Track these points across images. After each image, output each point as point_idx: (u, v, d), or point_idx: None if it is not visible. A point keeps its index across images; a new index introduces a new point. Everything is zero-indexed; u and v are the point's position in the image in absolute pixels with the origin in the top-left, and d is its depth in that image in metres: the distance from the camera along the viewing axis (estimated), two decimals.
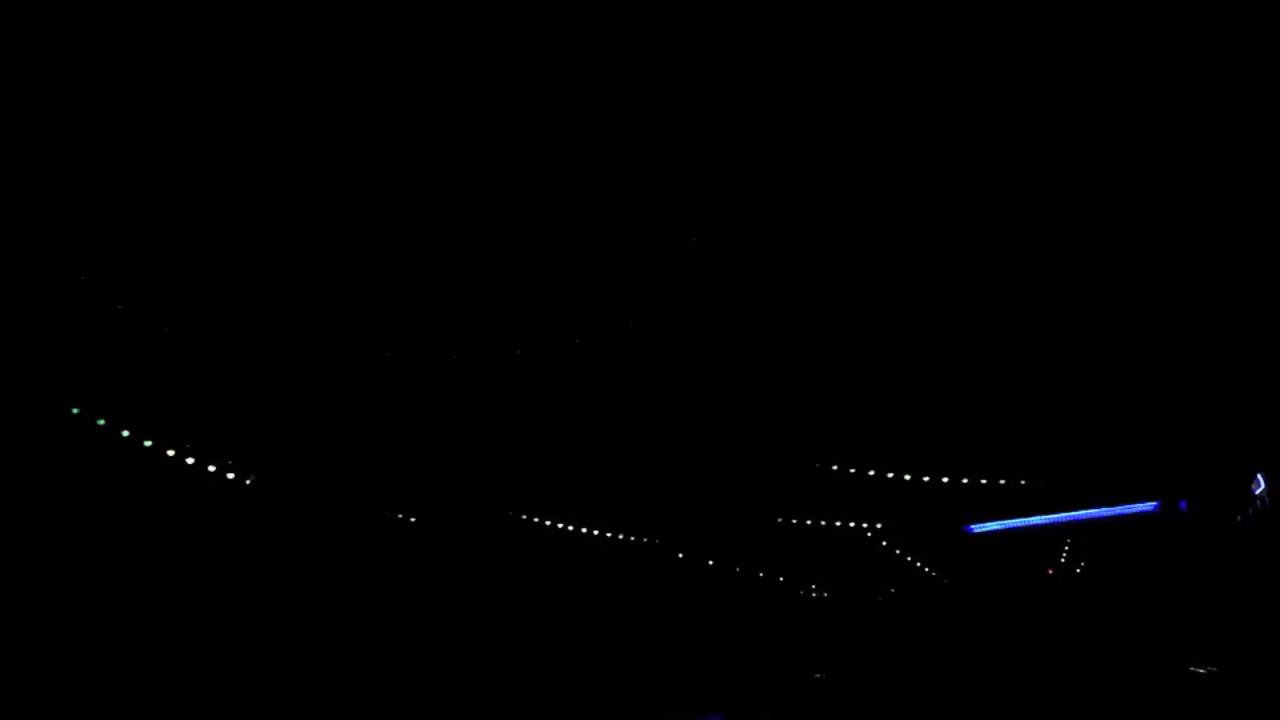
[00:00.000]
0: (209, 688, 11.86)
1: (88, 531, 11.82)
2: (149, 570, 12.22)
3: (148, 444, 11.84)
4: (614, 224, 7.38)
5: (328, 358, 9.62)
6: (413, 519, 16.89)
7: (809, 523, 20.11)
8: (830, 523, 20.30)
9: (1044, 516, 20.25)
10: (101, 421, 11.39)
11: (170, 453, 11.92)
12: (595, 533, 19.77)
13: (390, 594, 15.76)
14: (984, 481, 16.89)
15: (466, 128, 6.08)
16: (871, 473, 15.61)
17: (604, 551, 20.95)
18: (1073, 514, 19.97)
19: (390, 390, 10.69)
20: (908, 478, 16.18)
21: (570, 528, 19.06)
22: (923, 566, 25.92)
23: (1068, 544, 23.95)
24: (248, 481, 13.19)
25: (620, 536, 20.39)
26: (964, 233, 7.71)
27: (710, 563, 23.88)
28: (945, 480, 16.60)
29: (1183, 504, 18.80)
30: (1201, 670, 14.31)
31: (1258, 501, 16.13)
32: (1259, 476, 15.90)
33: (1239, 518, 17.24)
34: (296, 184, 6.53)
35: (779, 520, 19.60)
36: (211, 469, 13.06)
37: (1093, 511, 19.78)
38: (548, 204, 7.10)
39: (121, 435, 11.67)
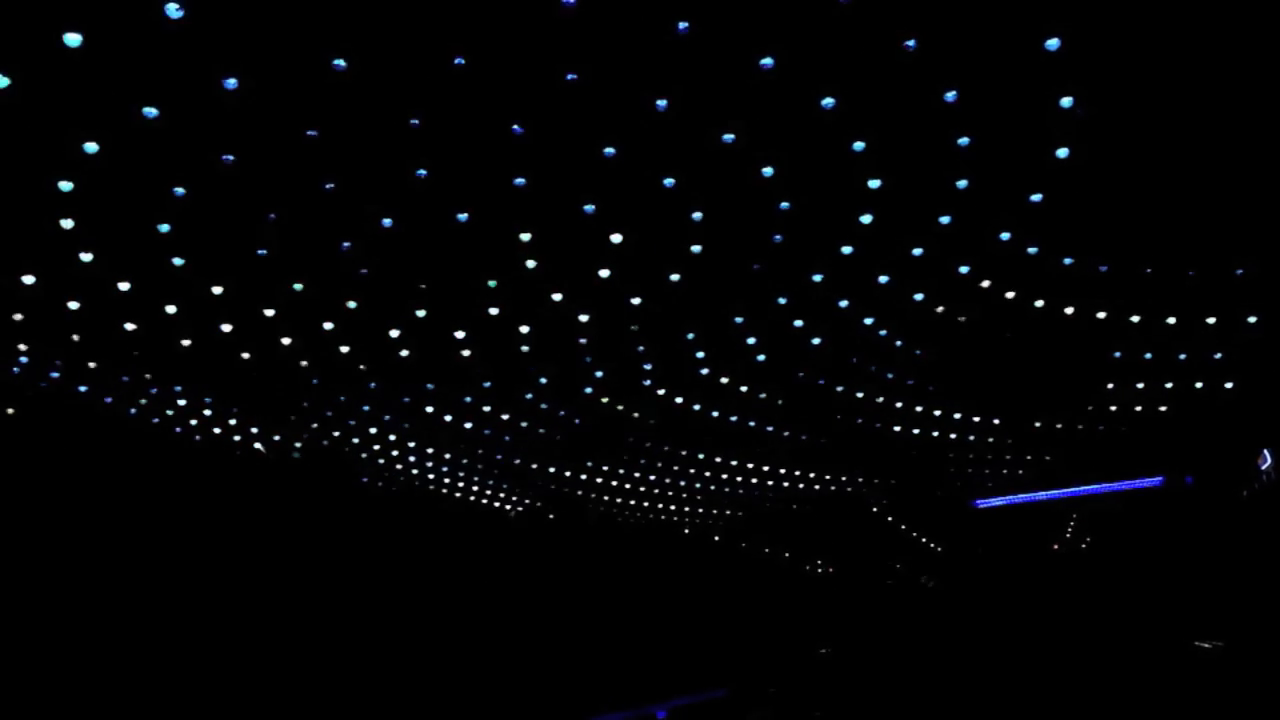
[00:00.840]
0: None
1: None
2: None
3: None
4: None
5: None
6: (420, 493, 16.99)
7: (814, 500, 20.17)
8: (837, 499, 20.35)
9: (1051, 492, 20.31)
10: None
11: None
12: (601, 514, 19.86)
13: (403, 572, 15.88)
14: (990, 457, 16.93)
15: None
16: (878, 448, 15.64)
17: (610, 531, 21.05)
18: (1079, 489, 20.03)
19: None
20: (915, 454, 16.21)
21: (576, 507, 19.15)
22: (929, 542, 26.03)
23: (1074, 519, 24.02)
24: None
25: (627, 516, 20.47)
26: (969, 207, 7.70)
27: (715, 539, 23.99)
28: (952, 455, 16.63)
29: (1189, 479, 18.85)
30: (1207, 645, 14.36)
31: (1263, 476, 16.18)
32: (1264, 452, 15.93)
33: (1244, 492, 17.28)
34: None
35: (785, 496, 19.66)
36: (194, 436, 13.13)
37: (1099, 486, 19.83)
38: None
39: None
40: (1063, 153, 6.80)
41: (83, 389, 10.68)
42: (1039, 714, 12.66)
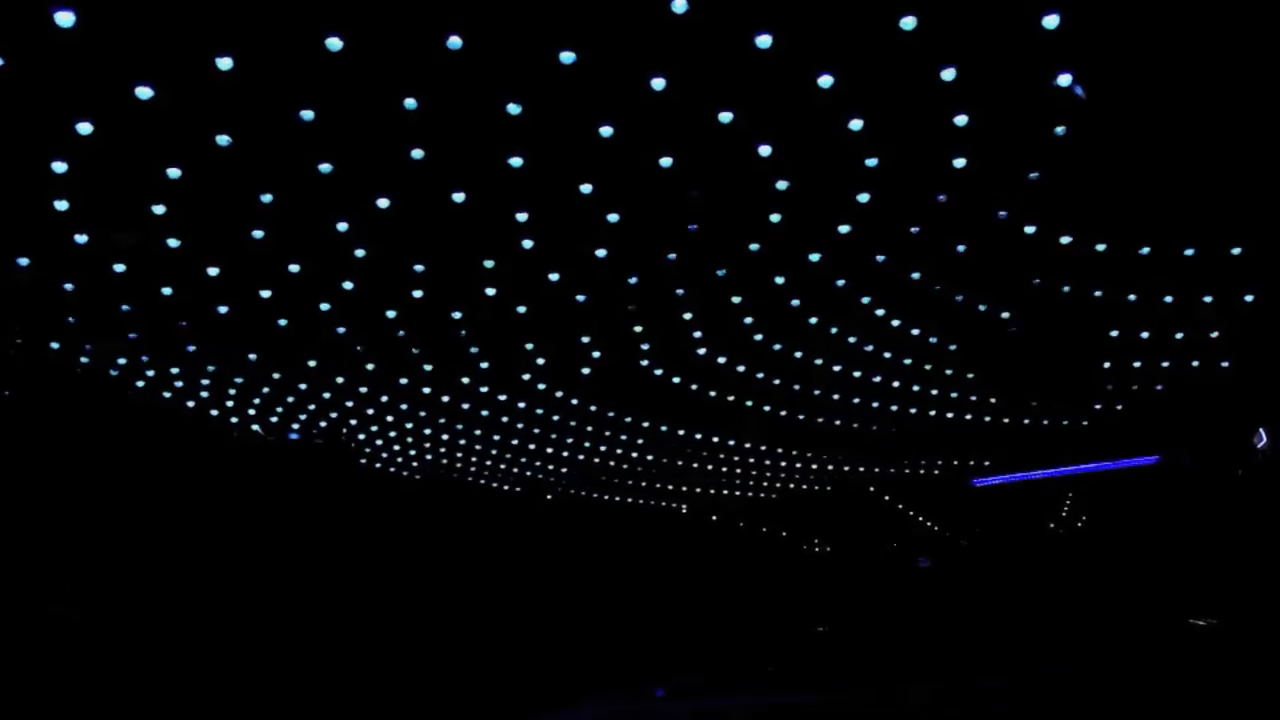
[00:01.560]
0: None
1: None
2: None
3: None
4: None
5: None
6: (417, 478, 17.02)
7: (812, 478, 20.22)
8: (834, 477, 20.40)
9: (1048, 470, 20.37)
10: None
11: None
12: (601, 496, 19.91)
13: (403, 554, 15.93)
14: (988, 436, 16.96)
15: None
16: (875, 428, 15.66)
17: (610, 512, 21.11)
18: (1076, 468, 20.09)
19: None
20: (913, 433, 16.23)
21: (578, 490, 19.19)
22: (926, 521, 26.11)
23: (1070, 497, 24.11)
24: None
25: (627, 498, 20.53)
26: (966, 186, 7.69)
27: (713, 518, 24.06)
28: (950, 433, 16.65)
29: (1185, 458, 18.90)
30: (1201, 622, 14.46)
31: (1259, 455, 16.22)
32: (1260, 430, 15.97)
33: (1240, 471, 17.34)
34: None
35: (783, 478, 19.71)
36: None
37: (1096, 465, 19.89)
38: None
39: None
40: (1060, 130, 6.78)
41: (79, 368, 10.67)
42: (1035, 690, 12.75)
